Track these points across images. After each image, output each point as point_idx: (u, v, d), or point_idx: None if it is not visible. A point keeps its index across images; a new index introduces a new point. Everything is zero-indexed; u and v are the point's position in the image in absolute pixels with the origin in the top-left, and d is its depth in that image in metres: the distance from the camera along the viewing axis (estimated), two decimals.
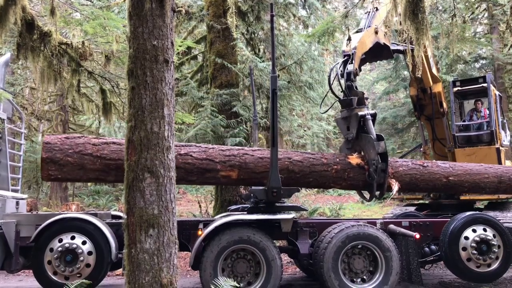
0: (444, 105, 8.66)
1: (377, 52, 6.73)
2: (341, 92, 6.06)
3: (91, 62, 6.94)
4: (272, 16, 5.23)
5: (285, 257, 6.61)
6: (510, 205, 8.58)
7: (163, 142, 2.98)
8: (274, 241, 5.01)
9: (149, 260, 2.89)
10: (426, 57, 8.05)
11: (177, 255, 3.05)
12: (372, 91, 24.38)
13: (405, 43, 6.79)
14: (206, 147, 5.28)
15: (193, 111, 9.81)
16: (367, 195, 5.85)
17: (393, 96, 20.12)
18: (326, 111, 6.95)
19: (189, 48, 10.38)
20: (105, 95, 7.34)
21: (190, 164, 5.00)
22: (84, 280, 4.35)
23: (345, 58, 6.07)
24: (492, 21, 16.05)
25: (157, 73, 3.03)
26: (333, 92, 6.12)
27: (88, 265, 4.80)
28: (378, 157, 5.39)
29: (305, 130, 18.74)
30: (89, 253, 4.82)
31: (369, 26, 6.54)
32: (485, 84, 8.70)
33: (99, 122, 13.83)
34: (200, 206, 11.85)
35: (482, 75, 10.08)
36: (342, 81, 5.94)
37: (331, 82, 6.15)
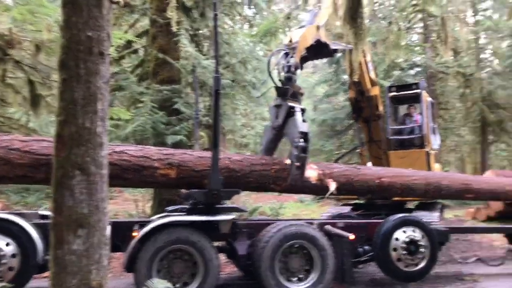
0: (380, 108, 9.01)
1: (318, 50, 6.81)
2: (280, 81, 5.98)
3: (19, 51, 6.49)
4: (215, 15, 5.16)
5: (223, 257, 6.56)
6: (437, 206, 9.11)
7: (95, 138, 2.82)
8: (213, 242, 4.96)
9: (77, 261, 2.73)
10: (365, 60, 8.33)
11: (108, 256, 2.91)
12: (314, 94, 24.94)
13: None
14: (143, 147, 5.14)
15: (132, 107, 9.49)
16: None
17: (333, 99, 20.70)
18: (262, 95, 6.92)
19: (130, 42, 10.05)
20: (33, 86, 6.89)
21: (126, 161, 4.81)
22: (5, 284, 4.05)
23: (287, 51, 6.03)
24: (426, 31, 16.98)
25: (91, 65, 2.86)
26: (271, 79, 6.02)
27: (11, 268, 4.48)
28: (300, 135, 5.31)
29: (248, 130, 18.81)
30: (13, 255, 4.50)
31: (311, 23, 6.60)
32: (418, 90, 9.17)
33: (29, 115, 13.02)
34: (137, 206, 11.50)
35: (416, 81, 10.62)
36: (282, 73, 5.89)
37: (270, 69, 6.08)
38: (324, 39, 6.72)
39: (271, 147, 6.04)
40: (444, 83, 18.28)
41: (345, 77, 17.66)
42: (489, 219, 11.60)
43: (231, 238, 5.29)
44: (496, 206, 11.29)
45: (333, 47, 7.13)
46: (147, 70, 10.08)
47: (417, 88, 9.26)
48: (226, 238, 5.36)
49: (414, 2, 17.14)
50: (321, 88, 22.16)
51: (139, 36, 10.59)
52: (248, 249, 5.21)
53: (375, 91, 8.86)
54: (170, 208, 5.78)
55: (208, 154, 5.18)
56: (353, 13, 5.72)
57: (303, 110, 5.70)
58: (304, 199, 17.73)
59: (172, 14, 8.24)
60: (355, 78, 7.73)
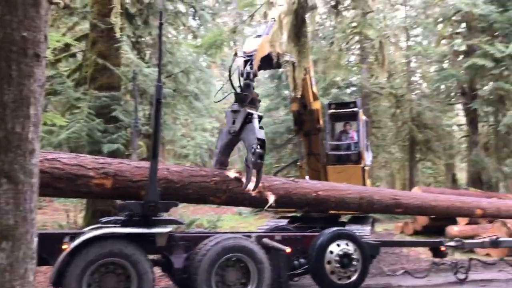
0: (321, 122, 9.31)
1: (269, 61, 6.95)
2: (238, 87, 6.05)
3: None
4: (161, 24, 5.10)
5: (158, 270, 6.40)
6: (368, 220, 9.52)
7: (26, 144, 2.66)
8: (149, 255, 4.82)
9: (0, 276, 2.55)
10: (310, 75, 8.62)
11: (34, 270, 2.73)
12: None
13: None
14: (77, 155, 4.92)
15: (68, 113, 9.08)
16: None
17: (274, 113, 21.07)
18: (221, 100, 6.92)
19: (68, 45, 9.65)
20: None
21: (58, 169, 4.57)
22: None
23: (246, 59, 6.16)
24: (363, 52, 17.85)
25: (25, 67, 2.71)
26: (232, 85, 6.04)
27: None
28: (257, 142, 5.37)
29: (188, 140, 18.63)
30: None
31: (267, 34, 6.75)
32: (355, 109, 9.60)
33: None
34: (68, 216, 10.94)
35: (353, 100, 11.11)
36: (242, 79, 5.98)
37: (231, 75, 6.06)
38: (278, 50, 6.90)
39: (226, 152, 6.06)
40: (377, 102, 19.25)
41: (286, 92, 18.08)
42: (416, 233, 12.27)
43: (167, 251, 5.17)
44: (422, 220, 11.98)
45: (285, 58, 7.34)
46: (85, 75, 9.72)
47: (355, 107, 9.70)
48: (162, 251, 5.23)
49: (352, 25, 17.99)
50: (262, 102, 22.48)
51: (78, 39, 10.21)
52: (184, 262, 5.12)
53: (317, 105, 9.15)
54: (104, 219, 5.55)
55: (146, 164, 5.05)
56: (298, 31, 5.90)
57: (260, 117, 5.77)
58: (242, 212, 17.77)
59: (116, 19, 8.03)
60: (298, 94, 7.96)
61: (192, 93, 10.67)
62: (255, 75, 6.05)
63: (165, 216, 5.20)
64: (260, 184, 5.84)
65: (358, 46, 18.41)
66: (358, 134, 9.45)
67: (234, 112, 5.84)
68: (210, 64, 16.02)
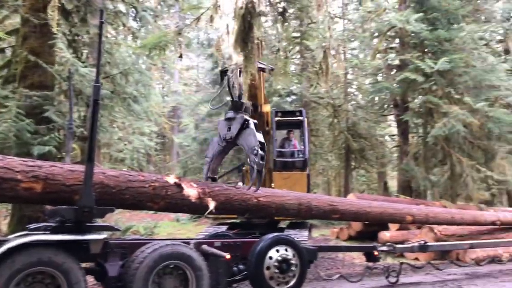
0: (269, 126, 9.42)
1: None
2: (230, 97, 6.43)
3: None
4: (101, 22, 4.90)
5: (91, 279, 6.11)
6: (306, 225, 9.73)
7: None
8: (81, 263, 4.57)
9: None
10: (263, 78, 8.73)
11: None
12: (196, 112, 25.04)
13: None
14: (4, 157, 4.58)
15: None
16: None
17: (216, 118, 21.02)
18: (218, 107, 7.09)
19: None
20: None
21: None
22: None
23: (237, 69, 6.65)
24: (303, 62, 18.30)
25: None
26: (230, 94, 6.32)
27: None
28: (259, 144, 5.64)
29: (125, 144, 18.04)
30: None
31: None
32: (301, 118, 9.83)
33: None
34: None
35: (299, 109, 11.35)
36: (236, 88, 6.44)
37: (231, 86, 6.56)
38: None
39: (218, 160, 6.38)
40: (316, 112, 19.80)
41: (228, 98, 18.12)
42: (350, 238, 12.70)
43: (101, 259, 4.94)
44: (357, 226, 12.43)
45: (258, 66, 7.47)
46: (14, 72, 9.11)
47: (301, 115, 9.93)
48: (96, 259, 4.99)
49: (294, 35, 18.43)
50: (203, 107, 22.37)
51: (8, 34, 9.58)
52: (119, 270, 4.92)
53: (266, 108, 9.26)
54: (32, 226, 5.20)
55: (81, 168, 4.81)
56: (245, 36, 5.94)
57: (254, 123, 6.01)
58: (180, 218, 17.48)
59: (54, 14, 7.61)
60: (245, 99, 8.06)
61: (130, 96, 10.36)
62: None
63: (99, 222, 4.97)
64: (200, 190, 5.79)
65: (299, 55, 18.87)
66: (303, 142, 9.68)
67: (229, 119, 6.17)
68: (150, 66, 15.67)
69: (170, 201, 5.56)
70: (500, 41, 18.71)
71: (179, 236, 11.89)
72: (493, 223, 10.72)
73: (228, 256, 5.36)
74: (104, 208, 4.83)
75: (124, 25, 11.30)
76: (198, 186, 5.82)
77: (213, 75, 18.22)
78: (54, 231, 4.67)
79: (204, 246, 5.56)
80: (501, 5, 16.77)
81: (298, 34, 18.27)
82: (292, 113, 10.55)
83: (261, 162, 5.60)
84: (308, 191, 9.09)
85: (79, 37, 10.08)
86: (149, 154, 22.56)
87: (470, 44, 14.19)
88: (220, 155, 6.40)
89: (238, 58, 6.86)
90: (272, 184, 9.26)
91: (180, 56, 6.03)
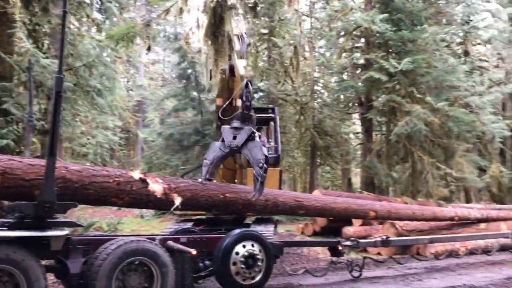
0: None
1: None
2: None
3: None
4: (64, 12, 4.72)
5: (52, 277, 5.93)
6: (272, 220, 9.79)
7: None
8: (42, 260, 4.42)
9: None
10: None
11: None
12: (162, 107, 24.71)
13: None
14: None
15: None
16: None
17: (182, 113, 20.79)
18: (229, 119, 7.25)
19: None
20: None
21: None
22: None
23: (246, 81, 6.89)
24: (270, 59, 18.35)
25: None
26: (247, 107, 6.67)
27: None
28: (264, 158, 6.09)
29: (88, 139, 17.56)
30: None
31: (245, 51, 7.03)
32: (273, 115, 9.89)
33: None
34: None
35: (272, 106, 11.37)
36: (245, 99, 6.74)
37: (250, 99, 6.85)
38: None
39: (217, 164, 6.67)
40: (283, 109, 19.91)
41: (195, 93, 17.94)
42: (315, 233, 12.89)
43: (63, 256, 4.79)
44: (321, 222, 12.63)
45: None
46: None
47: (273, 113, 9.98)
48: (57, 256, 4.84)
49: (262, 31, 18.45)
50: (169, 102, 22.08)
51: None
52: (82, 267, 4.78)
53: (239, 102, 9.23)
54: None
55: (41, 162, 4.65)
56: (215, 30, 5.89)
57: (259, 136, 6.53)
58: (144, 214, 17.22)
59: (16, 1, 7.27)
60: (215, 93, 8.12)
61: (94, 89, 10.10)
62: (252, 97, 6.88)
63: (61, 218, 4.82)
64: (166, 186, 5.72)
65: (266, 52, 18.92)
66: (276, 139, 9.78)
67: (235, 129, 6.51)
68: (115, 59, 15.30)
69: (135, 197, 5.46)
70: (460, 43, 19.40)
71: (143, 233, 11.71)
72: (451, 219, 11.14)
73: (194, 252, 5.32)
74: (66, 203, 4.68)
75: (88, 16, 10.97)
76: (163, 182, 5.75)
77: (179, 70, 17.96)
78: (12, 227, 4.48)
79: (170, 242, 5.50)
80: (461, 9, 17.37)
81: (267, 31, 18.32)
82: (263, 110, 10.58)
83: (264, 174, 6.07)
84: (280, 187, 9.16)
85: (40, 27, 9.71)
86: (113, 149, 22.04)
87: (432, 45, 14.65)
88: (220, 159, 6.65)
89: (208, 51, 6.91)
90: (244, 180, 9.26)
91: (149, 48, 5.89)
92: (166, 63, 32.57)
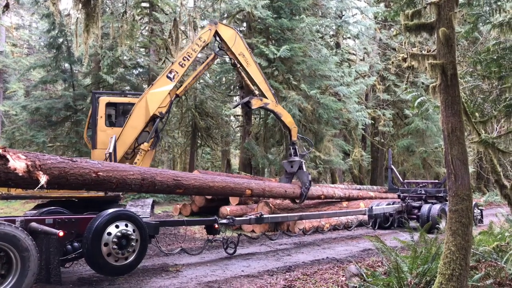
0: None
1: None
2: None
3: None
4: None
5: None
6: (148, 201, 9.60)
7: None
8: None
9: None
10: None
11: None
12: (27, 78, 22.33)
13: None
14: None
15: None
16: None
17: (50, 86, 19.00)
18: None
19: None
20: None
21: None
22: None
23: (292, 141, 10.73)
24: (151, 34, 17.68)
25: None
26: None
27: None
28: (309, 182, 10.56)
29: None
30: None
31: None
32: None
33: None
34: None
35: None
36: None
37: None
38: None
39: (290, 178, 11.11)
40: None
41: (67, 65, 16.51)
42: (193, 213, 12.96)
43: None
44: (199, 201, 12.73)
45: None
46: None
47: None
48: None
49: (143, 5, 17.65)
50: (36, 72, 20.01)
51: None
52: None
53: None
54: None
55: None
56: None
57: (303, 163, 11.00)
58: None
59: None
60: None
61: None
62: None
63: None
64: (30, 162, 5.19)
65: (147, 27, 18.19)
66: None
67: (290, 161, 10.97)
68: None
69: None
70: (333, 36, 20.85)
71: (3, 215, 10.57)
72: (318, 197, 12.10)
73: (61, 233, 4.97)
74: None
75: None
76: (27, 158, 5.19)
77: (49, 38, 16.27)
78: None
79: (33, 224, 5.06)
80: (335, 3, 18.60)
81: (147, 5, 17.57)
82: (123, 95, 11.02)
83: (308, 192, 10.61)
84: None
85: None
86: None
87: (308, 35, 15.52)
88: (290, 177, 11.04)
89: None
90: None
91: (7, 6, 5.10)
92: (34, 29, 29.36)
